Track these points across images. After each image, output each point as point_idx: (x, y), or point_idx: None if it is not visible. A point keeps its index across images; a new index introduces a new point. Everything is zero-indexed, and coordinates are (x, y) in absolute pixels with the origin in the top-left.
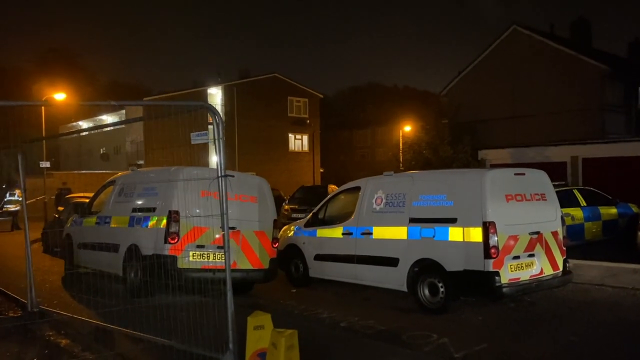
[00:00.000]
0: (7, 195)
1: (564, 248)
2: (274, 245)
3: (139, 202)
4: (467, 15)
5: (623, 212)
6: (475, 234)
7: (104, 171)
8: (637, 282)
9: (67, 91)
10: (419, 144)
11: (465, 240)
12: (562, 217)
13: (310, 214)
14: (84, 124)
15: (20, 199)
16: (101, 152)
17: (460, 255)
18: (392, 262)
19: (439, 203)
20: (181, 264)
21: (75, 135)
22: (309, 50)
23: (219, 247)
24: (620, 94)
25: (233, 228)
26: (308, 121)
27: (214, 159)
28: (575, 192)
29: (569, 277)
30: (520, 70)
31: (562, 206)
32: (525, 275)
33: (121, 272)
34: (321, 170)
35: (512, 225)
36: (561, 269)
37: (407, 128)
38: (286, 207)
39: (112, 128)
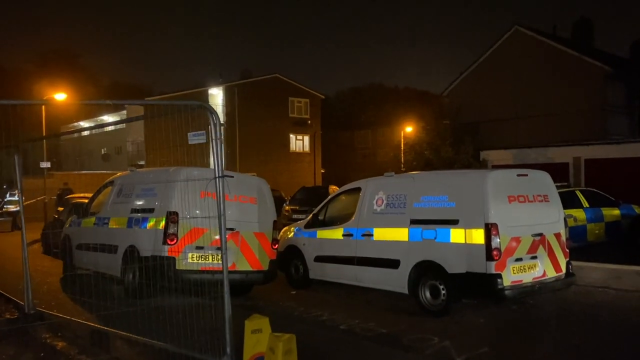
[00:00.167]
0: (8, 195)
1: (567, 250)
2: (274, 247)
3: (138, 203)
4: (468, 16)
5: (626, 214)
6: (477, 236)
7: (105, 172)
8: None
9: (68, 92)
10: (420, 144)
11: (467, 242)
12: (565, 219)
13: (311, 215)
14: (85, 125)
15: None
16: (102, 152)
17: (462, 257)
18: (393, 263)
19: (441, 204)
20: (180, 265)
21: (75, 135)
22: (310, 51)
23: (218, 249)
24: (623, 95)
25: (232, 229)
26: (309, 122)
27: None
28: (578, 193)
29: (572, 280)
30: (522, 71)
31: (564, 207)
32: (527, 277)
33: (119, 274)
34: (322, 171)
35: (514, 227)
36: (564, 271)
37: (409, 129)
38: (287, 207)
39: (112, 128)
